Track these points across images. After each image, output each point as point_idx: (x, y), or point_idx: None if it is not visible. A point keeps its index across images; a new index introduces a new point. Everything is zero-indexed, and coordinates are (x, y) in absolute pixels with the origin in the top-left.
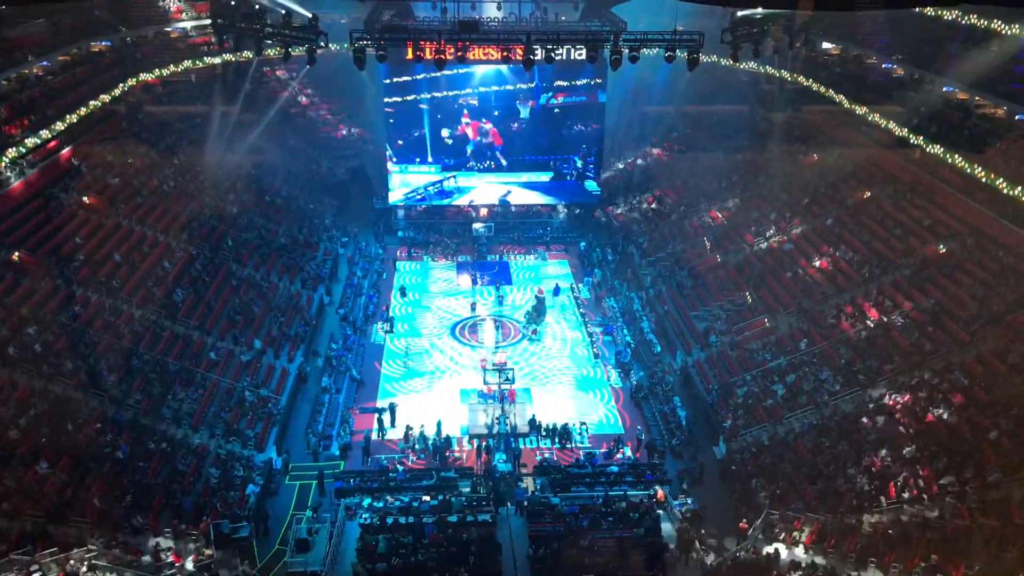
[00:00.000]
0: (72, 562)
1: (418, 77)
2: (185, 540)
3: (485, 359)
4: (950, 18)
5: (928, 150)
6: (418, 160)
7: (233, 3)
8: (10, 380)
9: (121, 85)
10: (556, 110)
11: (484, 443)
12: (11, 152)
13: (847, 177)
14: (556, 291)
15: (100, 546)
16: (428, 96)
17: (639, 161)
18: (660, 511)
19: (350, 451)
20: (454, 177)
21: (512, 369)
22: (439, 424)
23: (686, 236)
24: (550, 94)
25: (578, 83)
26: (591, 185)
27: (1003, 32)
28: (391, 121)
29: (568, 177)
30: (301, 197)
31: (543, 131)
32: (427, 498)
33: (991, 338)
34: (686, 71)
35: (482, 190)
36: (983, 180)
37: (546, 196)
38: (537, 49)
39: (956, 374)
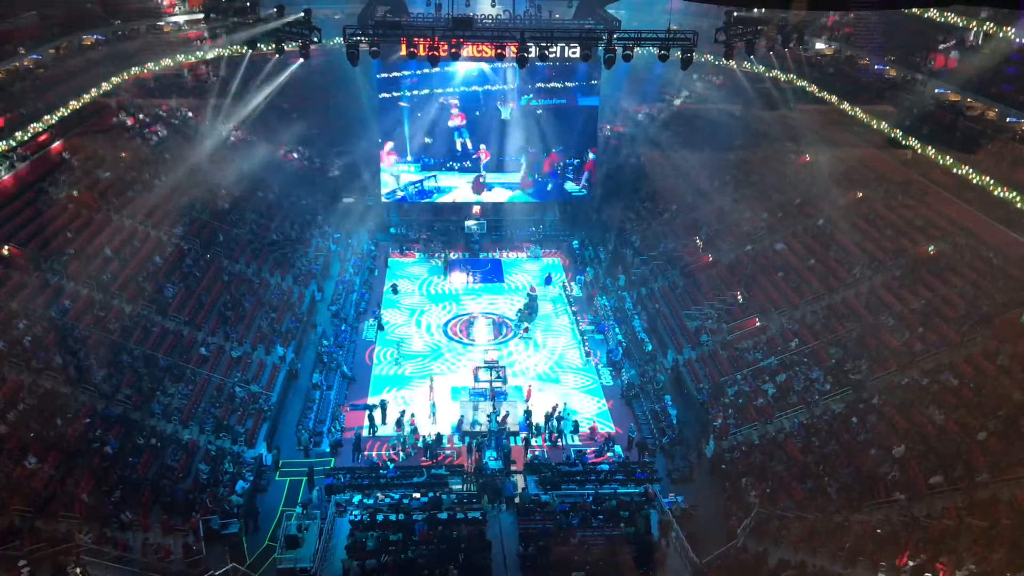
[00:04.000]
0: (61, 558)
1: (403, 74)
2: (174, 536)
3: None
4: (942, 19)
5: (919, 151)
6: (407, 159)
7: None
8: None
9: (113, 79)
10: (538, 111)
11: (474, 441)
12: (1, 146)
13: (839, 177)
14: (548, 280)
15: (89, 541)
16: (409, 95)
17: (631, 160)
18: (650, 509)
19: (341, 448)
20: (434, 176)
21: (504, 367)
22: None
23: (678, 235)
24: (531, 96)
25: (559, 86)
26: (571, 187)
27: (995, 34)
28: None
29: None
30: (293, 192)
31: (523, 132)
32: (417, 495)
33: (981, 339)
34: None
35: (463, 190)
36: (974, 181)
37: (525, 196)
38: (531, 47)
39: (946, 375)
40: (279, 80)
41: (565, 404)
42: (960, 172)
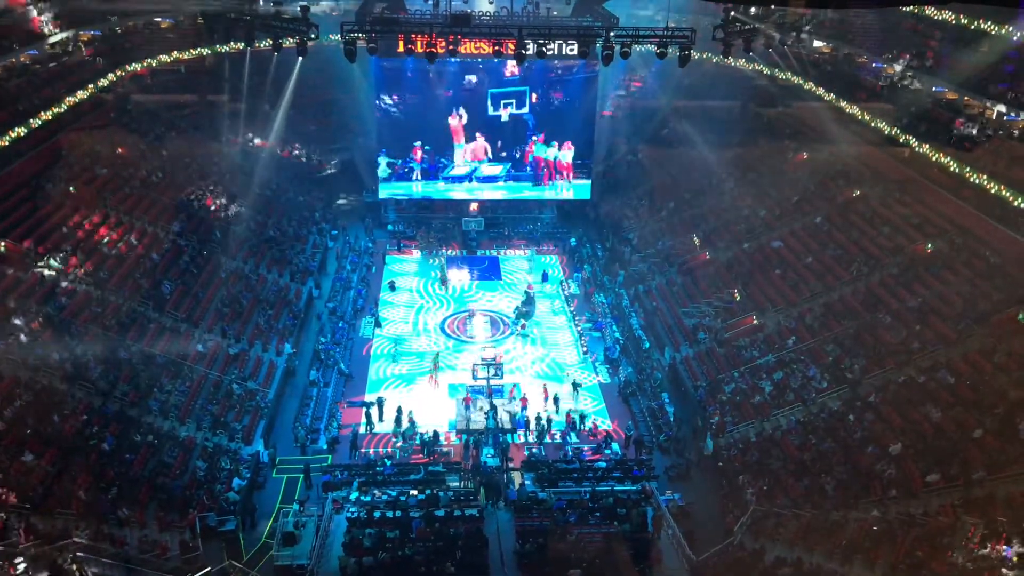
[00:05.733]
0: (57, 554)
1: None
2: (171, 532)
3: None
4: (940, 18)
5: (917, 149)
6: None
7: None
8: None
9: (110, 74)
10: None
11: (472, 438)
12: None
13: (836, 175)
14: (544, 277)
15: (85, 538)
16: (408, 94)
17: (628, 157)
18: (647, 506)
19: (338, 445)
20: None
21: (502, 364)
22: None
23: (676, 233)
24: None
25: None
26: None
27: (993, 32)
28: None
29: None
30: (291, 189)
31: (519, 131)
32: (414, 492)
33: (977, 337)
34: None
35: (461, 189)
36: (971, 179)
37: (521, 194)
38: (529, 44)
39: (942, 372)
40: (290, 85)
41: (573, 378)
42: (957, 170)
